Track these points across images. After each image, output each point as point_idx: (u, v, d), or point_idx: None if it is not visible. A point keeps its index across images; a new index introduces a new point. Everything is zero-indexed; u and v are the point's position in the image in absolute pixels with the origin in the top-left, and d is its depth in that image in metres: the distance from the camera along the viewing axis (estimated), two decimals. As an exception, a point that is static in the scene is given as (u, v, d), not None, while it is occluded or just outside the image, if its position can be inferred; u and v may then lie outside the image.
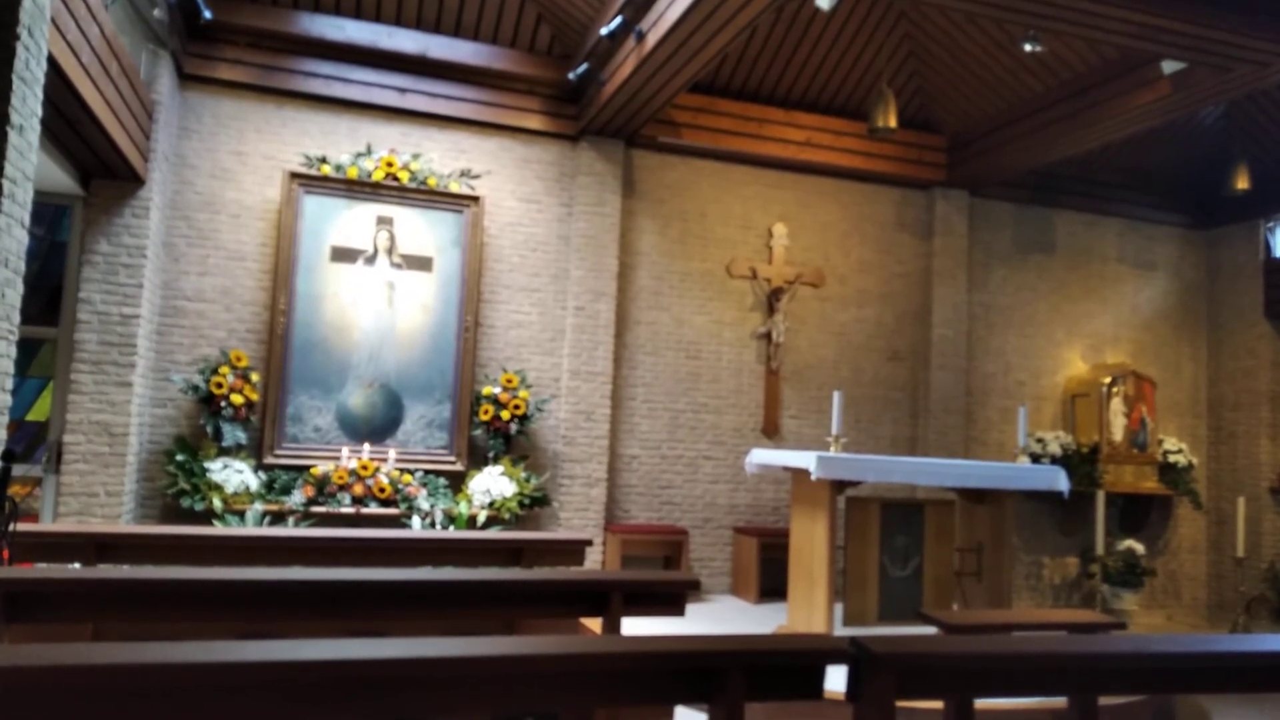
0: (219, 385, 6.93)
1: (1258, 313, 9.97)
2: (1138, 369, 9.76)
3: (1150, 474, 9.61)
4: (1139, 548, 9.10)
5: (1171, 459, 9.73)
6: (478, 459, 7.71)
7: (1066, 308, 9.95)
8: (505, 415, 7.56)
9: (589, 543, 5.54)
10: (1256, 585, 9.56)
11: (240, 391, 6.98)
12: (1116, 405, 9.44)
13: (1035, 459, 9.05)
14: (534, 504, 7.49)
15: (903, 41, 8.32)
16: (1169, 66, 6.93)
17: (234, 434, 7.00)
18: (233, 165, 7.49)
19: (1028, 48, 6.90)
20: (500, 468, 7.48)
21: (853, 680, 2.94)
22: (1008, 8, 6.00)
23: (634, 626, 4.01)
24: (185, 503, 6.70)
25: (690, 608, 4.58)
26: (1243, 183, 8.84)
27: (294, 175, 7.42)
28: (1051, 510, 9.47)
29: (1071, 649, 3.38)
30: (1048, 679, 3.25)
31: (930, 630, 4.88)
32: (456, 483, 7.59)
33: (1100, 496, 8.66)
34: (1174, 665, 3.30)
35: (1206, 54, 6.39)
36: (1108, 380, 9.46)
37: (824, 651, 2.98)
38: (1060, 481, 6.81)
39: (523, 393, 7.67)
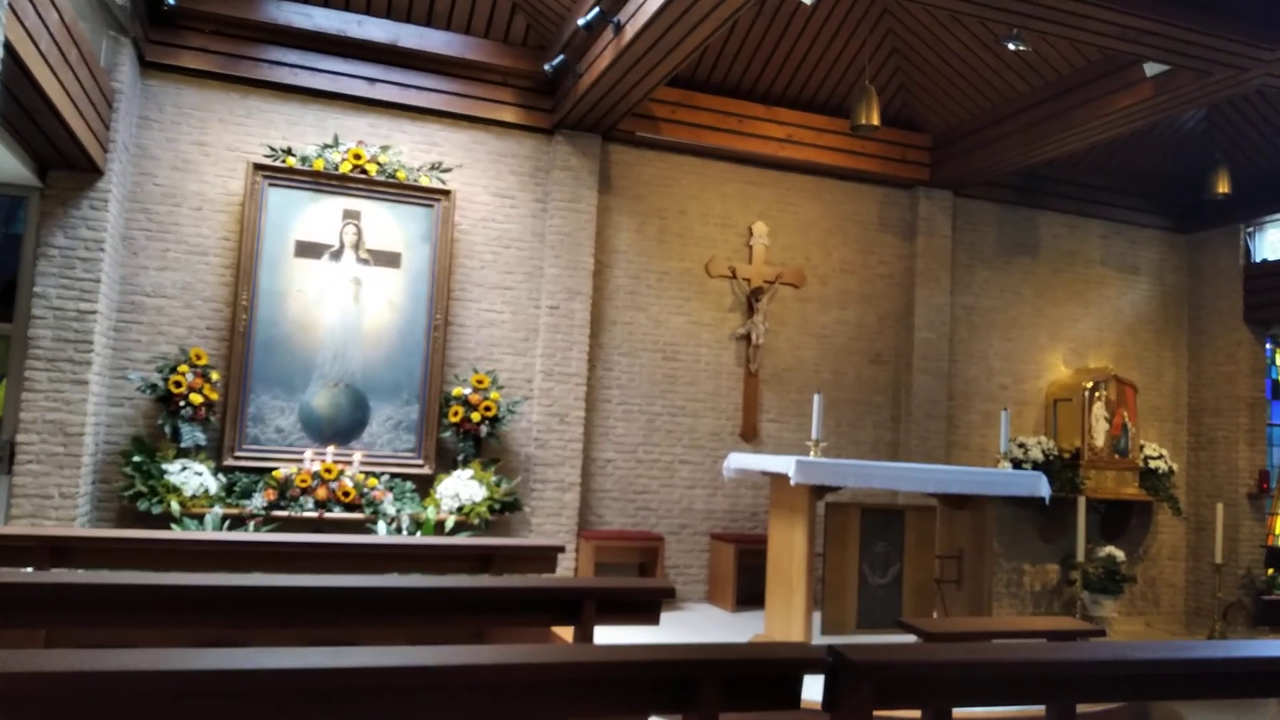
0: (178, 384, 6.73)
1: (1237, 318, 9.98)
2: (1120, 373, 9.73)
3: (1131, 480, 9.57)
4: (1119, 554, 9.08)
5: (1152, 465, 9.71)
6: (446, 462, 7.52)
7: (1050, 311, 9.90)
8: (475, 417, 7.38)
9: (561, 549, 5.44)
10: (1234, 592, 9.57)
11: (200, 391, 6.78)
12: (1098, 410, 9.39)
13: (1017, 464, 9.00)
14: (505, 509, 7.31)
15: (886, 38, 8.23)
16: (1151, 69, 6.92)
17: (193, 435, 6.80)
18: (195, 156, 7.29)
19: (1011, 46, 6.85)
20: (470, 471, 7.30)
21: (830, 690, 2.90)
22: (991, 6, 5.94)
23: (607, 635, 3.95)
24: (142, 505, 6.50)
25: (665, 616, 4.51)
26: (1224, 187, 8.86)
27: (258, 167, 7.22)
28: (1033, 516, 9.41)
29: (1050, 656, 3.38)
30: (1026, 687, 3.27)
31: (909, 638, 4.84)
32: (424, 487, 7.40)
33: (1081, 503, 8.62)
34: (1151, 672, 3.31)
35: (1188, 57, 6.38)
36: (1090, 385, 9.41)
37: (801, 660, 2.95)
38: (1042, 487, 6.75)
39: (494, 394, 7.49)
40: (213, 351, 7.13)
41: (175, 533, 5.95)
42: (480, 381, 7.51)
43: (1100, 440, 9.39)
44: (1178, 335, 10.46)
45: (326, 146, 7.41)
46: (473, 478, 7.23)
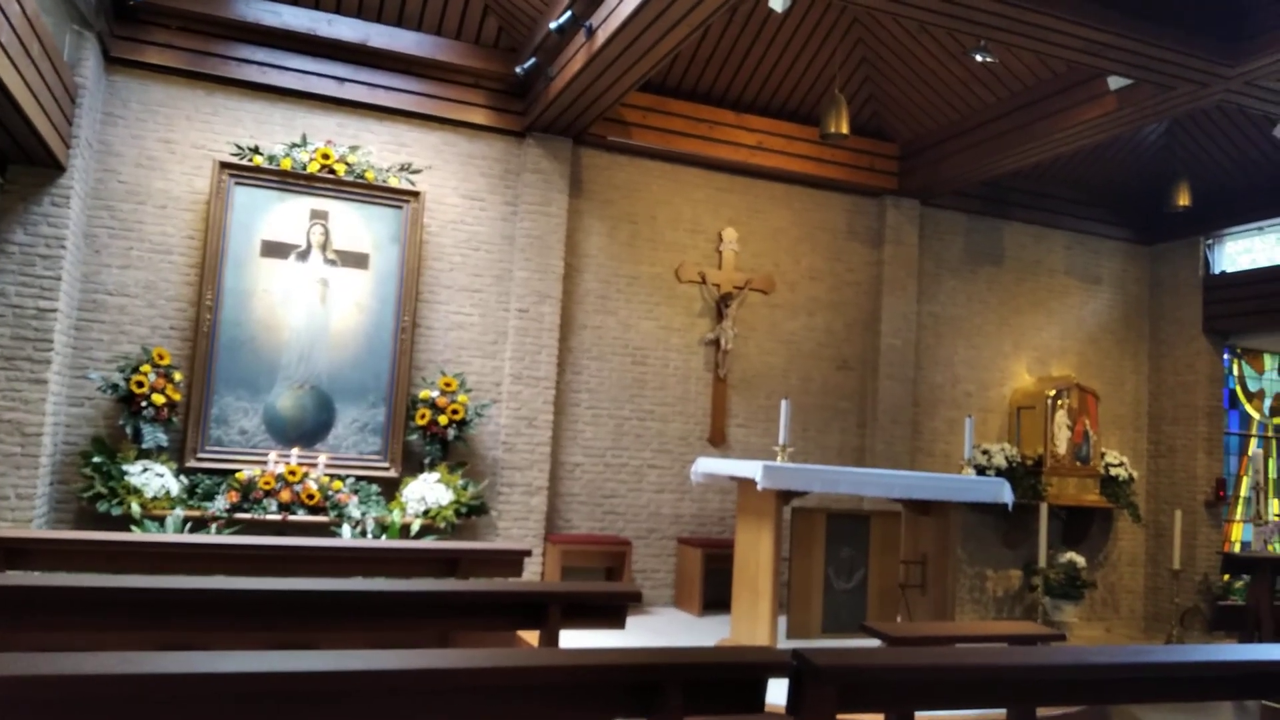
0: (140, 384, 6.62)
1: (1197, 328, 10.16)
2: (1082, 382, 9.87)
3: (1092, 487, 9.71)
4: (1080, 560, 9.19)
5: (1113, 472, 9.86)
6: (413, 465, 7.47)
7: (1014, 319, 10.02)
8: (443, 420, 7.33)
9: (528, 553, 5.42)
10: (1191, 597, 9.73)
11: (162, 391, 6.68)
12: (1061, 418, 9.52)
13: (980, 471, 9.08)
14: (471, 513, 7.26)
15: (856, 47, 8.30)
16: (1115, 82, 7.01)
17: (155, 435, 6.69)
18: (160, 154, 7.19)
19: (979, 58, 6.93)
20: (436, 475, 7.25)
21: (793, 693, 2.92)
22: (959, 18, 6.00)
23: (573, 639, 3.91)
24: (101, 507, 6.38)
25: (632, 620, 4.51)
26: (1184, 199, 9.01)
27: (224, 165, 7.14)
28: (996, 522, 9.51)
29: (1011, 661, 3.42)
30: (988, 691, 3.31)
31: (873, 643, 4.85)
32: (390, 490, 7.34)
33: (1043, 509, 8.72)
34: (1110, 676, 3.37)
35: (1150, 71, 6.48)
36: (1053, 393, 9.53)
37: (765, 664, 2.95)
38: (1005, 494, 6.82)
39: (462, 397, 7.45)
40: (176, 351, 7.02)
41: (135, 534, 5.87)
42: (448, 384, 7.46)
43: (1062, 447, 9.51)
44: (1139, 345, 10.64)
45: (294, 146, 7.34)
46: (439, 481, 7.18)
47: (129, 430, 6.70)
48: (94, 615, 3.57)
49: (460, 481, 7.31)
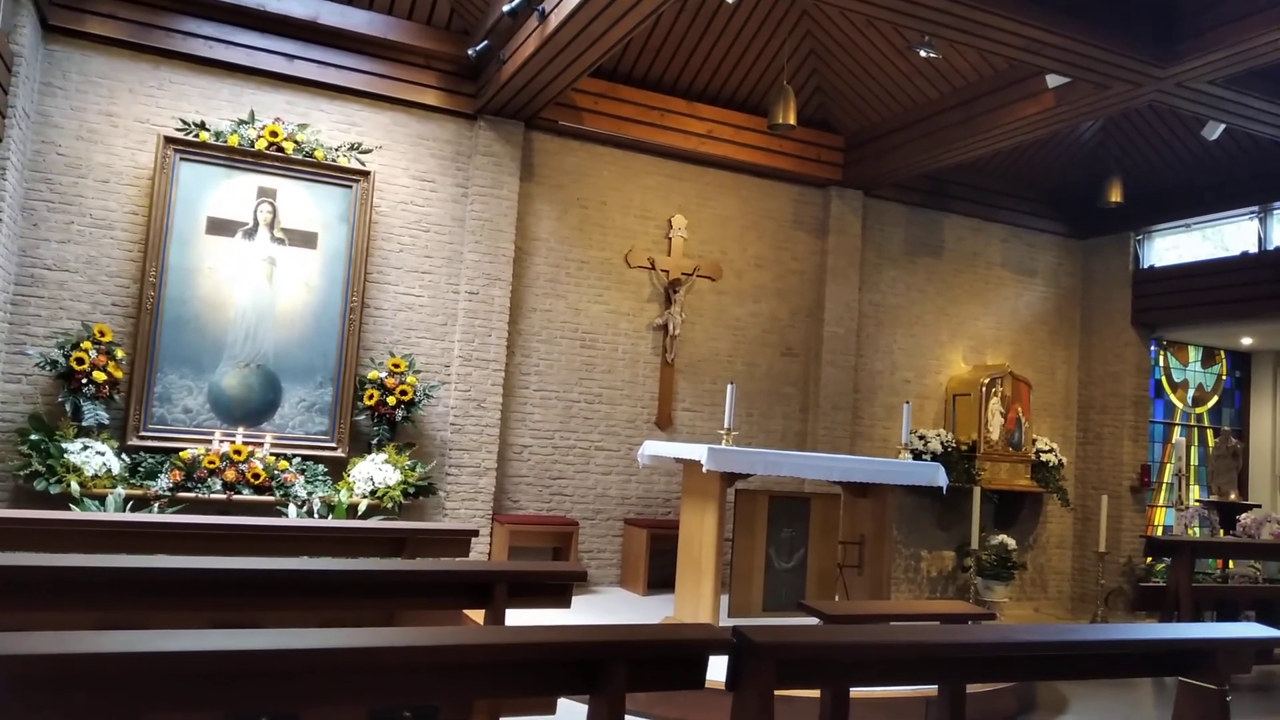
0: (80, 361, 6.49)
1: (1126, 320, 10.53)
2: (1015, 371, 10.16)
3: (1023, 472, 10.03)
4: (1010, 542, 9.49)
5: (1043, 458, 10.17)
6: (360, 446, 7.45)
7: (952, 309, 10.27)
8: (391, 401, 7.32)
9: (475, 533, 5.44)
10: (1115, 579, 10.11)
11: (103, 368, 6.55)
12: (994, 405, 9.81)
13: (917, 455, 9.31)
14: (419, 493, 7.27)
15: (804, 39, 8.42)
16: (1053, 80, 7.21)
17: (95, 413, 6.57)
18: (102, 127, 7.02)
19: (922, 53, 7.07)
20: (384, 455, 7.24)
21: (733, 670, 2.98)
22: (905, 13, 6.12)
23: (519, 618, 3.96)
24: (39, 485, 6.25)
25: (578, 599, 4.56)
26: (1116, 196, 9.30)
27: (169, 140, 7.00)
28: (931, 505, 9.77)
29: (942, 639, 3.52)
30: (919, 668, 3.39)
31: (812, 621, 4.96)
32: (337, 470, 7.31)
33: (976, 493, 8.99)
34: (1037, 654, 3.47)
35: (1087, 70, 6.67)
36: (987, 381, 9.81)
37: (706, 642, 2.98)
38: (940, 477, 7.01)
39: (410, 378, 7.45)
40: (118, 328, 6.90)
41: (74, 513, 5.75)
42: (396, 365, 7.45)
43: (995, 434, 9.81)
44: (1070, 336, 10.98)
45: (242, 122, 7.22)
46: (387, 461, 7.17)
47: (68, 408, 6.57)
48: (32, 595, 3.50)
49: (408, 462, 7.31)
